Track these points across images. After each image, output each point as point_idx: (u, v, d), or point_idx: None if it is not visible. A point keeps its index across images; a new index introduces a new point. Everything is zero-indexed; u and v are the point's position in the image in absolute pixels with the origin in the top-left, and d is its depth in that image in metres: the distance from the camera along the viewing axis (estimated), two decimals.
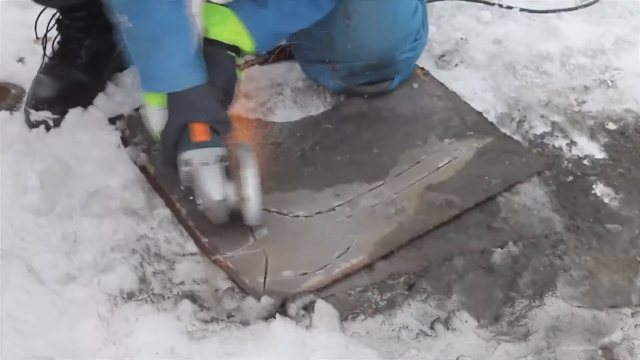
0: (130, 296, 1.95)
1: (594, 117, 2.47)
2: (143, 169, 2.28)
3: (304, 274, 2.00)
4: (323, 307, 1.89)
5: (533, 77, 2.63)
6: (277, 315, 1.88)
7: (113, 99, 2.52)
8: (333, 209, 2.17)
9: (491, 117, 2.46)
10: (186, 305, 1.91)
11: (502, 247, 2.06)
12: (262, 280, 1.98)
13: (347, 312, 1.93)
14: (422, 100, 2.51)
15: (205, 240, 2.08)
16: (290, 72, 2.61)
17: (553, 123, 2.44)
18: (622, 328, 1.88)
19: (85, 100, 2.46)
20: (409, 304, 1.94)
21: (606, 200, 2.20)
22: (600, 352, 1.84)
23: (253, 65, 2.60)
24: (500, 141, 2.36)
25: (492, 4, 2.95)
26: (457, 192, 2.20)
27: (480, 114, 2.45)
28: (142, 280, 2.00)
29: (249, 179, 1.95)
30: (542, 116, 2.46)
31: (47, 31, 2.52)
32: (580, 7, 2.94)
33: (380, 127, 2.41)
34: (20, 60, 2.71)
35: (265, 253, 2.04)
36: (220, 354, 1.81)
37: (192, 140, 2.01)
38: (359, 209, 2.17)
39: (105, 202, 2.18)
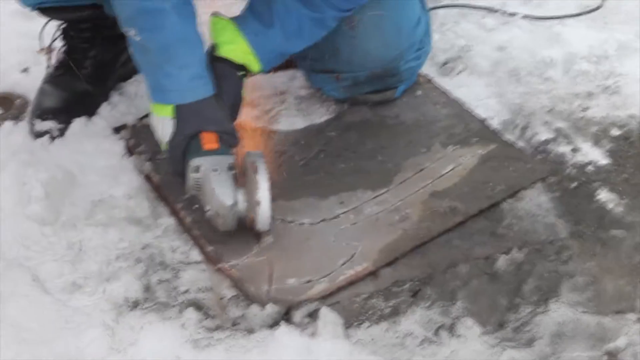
0: (135, 305, 1.95)
1: (598, 123, 2.47)
2: (147, 178, 2.28)
3: (309, 281, 2.00)
4: (328, 315, 1.89)
5: (537, 84, 2.63)
6: (282, 322, 1.88)
7: (117, 108, 2.52)
8: (337, 217, 2.17)
9: (495, 123, 2.46)
10: (191, 313, 1.91)
11: (506, 254, 2.06)
12: (266, 288, 1.98)
13: (351, 320, 1.93)
14: (426, 107, 2.51)
15: (209, 248, 2.08)
16: (293, 80, 2.61)
17: (557, 129, 2.44)
18: (626, 334, 1.88)
19: (89, 110, 2.46)
20: (414, 311, 1.94)
21: (610, 206, 2.20)
22: (605, 357, 1.84)
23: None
24: (504, 148, 2.36)
25: (496, 11, 2.96)
26: (461, 199, 2.20)
27: (483, 120, 2.46)
28: (147, 288, 2.00)
29: (261, 183, 1.96)
30: (545, 122, 2.46)
31: (52, 41, 2.53)
32: (584, 13, 2.94)
33: (384, 135, 2.42)
34: (25, 70, 2.71)
35: (270, 261, 2.04)
36: None
37: (202, 149, 2.02)
38: (363, 216, 2.17)
39: (110, 211, 2.18)
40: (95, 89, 2.50)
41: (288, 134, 2.42)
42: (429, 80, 2.61)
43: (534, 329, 1.90)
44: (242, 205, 2.01)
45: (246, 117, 2.39)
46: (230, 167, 2.02)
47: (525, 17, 2.92)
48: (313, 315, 1.91)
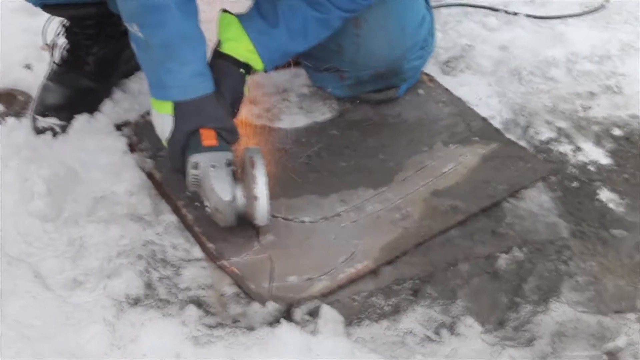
0: (136, 301, 1.96)
1: (600, 122, 2.47)
2: (149, 175, 2.29)
3: (309, 279, 2.00)
4: (328, 312, 1.90)
5: (539, 83, 2.64)
6: (283, 320, 1.88)
7: (120, 105, 2.53)
8: (338, 215, 2.17)
9: (497, 122, 2.46)
10: (192, 310, 1.92)
11: (507, 253, 2.07)
12: (267, 285, 1.99)
13: (352, 317, 1.93)
14: (428, 106, 2.52)
15: (211, 245, 2.08)
16: (296, 78, 2.62)
17: (558, 129, 2.44)
18: (626, 333, 1.88)
19: (92, 106, 2.47)
20: (414, 309, 1.94)
21: (611, 205, 2.20)
22: (605, 357, 1.84)
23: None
24: (505, 147, 2.36)
25: (498, 10, 2.96)
26: (463, 198, 2.20)
27: (485, 119, 2.46)
28: (148, 285, 2.00)
29: (259, 178, 1.97)
30: (547, 122, 2.47)
31: (54, 38, 2.53)
32: (586, 13, 2.95)
33: (386, 133, 2.42)
34: (28, 67, 2.72)
35: (271, 258, 2.04)
36: (226, 359, 1.82)
37: (201, 145, 2.03)
38: (364, 214, 2.17)
39: (112, 208, 2.19)
40: (97, 86, 2.51)
41: (290, 132, 2.43)
42: (431, 79, 2.62)
43: (534, 328, 1.90)
44: (240, 200, 2.02)
45: (248, 114, 2.40)
46: (229, 163, 2.03)
47: (528, 16, 2.93)
48: (313, 313, 1.91)
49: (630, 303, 1.96)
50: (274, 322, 1.90)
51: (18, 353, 1.81)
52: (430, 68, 2.65)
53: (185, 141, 2.05)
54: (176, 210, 2.19)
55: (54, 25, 2.53)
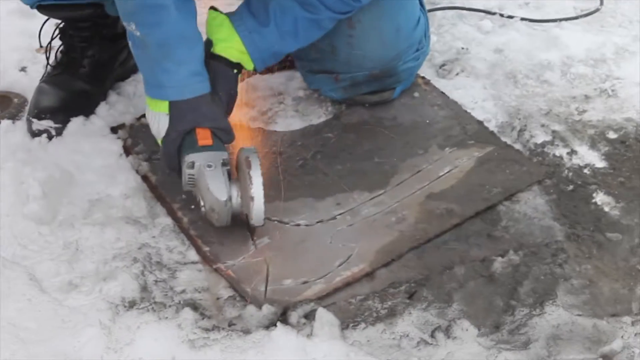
0: (131, 304, 1.95)
1: (595, 126, 2.47)
2: (145, 177, 2.29)
3: (305, 282, 2.00)
4: (324, 316, 1.89)
5: (534, 86, 2.64)
6: (278, 323, 1.88)
7: (115, 108, 2.52)
8: (334, 218, 2.17)
9: (492, 126, 2.46)
10: (187, 313, 1.91)
11: (502, 256, 2.07)
12: (263, 288, 1.99)
13: (348, 321, 1.93)
14: (423, 109, 2.52)
15: (206, 248, 2.08)
16: (291, 81, 2.62)
17: (554, 132, 2.44)
18: (622, 337, 1.88)
19: (87, 109, 2.46)
20: (410, 313, 1.94)
21: (607, 209, 2.20)
22: None
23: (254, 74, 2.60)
24: (500, 150, 2.36)
25: (493, 13, 2.96)
26: (458, 201, 2.20)
27: (481, 123, 2.46)
28: (144, 288, 2.00)
29: (254, 178, 1.97)
30: (542, 125, 2.47)
31: (51, 40, 2.53)
32: (581, 16, 2.95)
33: (381, 136, 2.42)
34: (23, 69, 2.72)
35: (267, 262, 2.04)
36: None
37: (196, 144, 2.03)
38: (360, 217, 2.17)
39: (107, 211, 2.19)
40: (93, 89, 2.51)
41: (285, 135, 2.43)
42: (427, 82, 2.61)
43: (530, 332, 1.90)
44: (236, 200, 2.02)
45: (244, 117, 2.40)
46: (225, 163, 2.03)
47: (523, 19, 2.93)
48: (309, 316, 1.91)
49: (625, 306, 1.96)
50: (269, 325, 1.90)
51: (13, 356, 1.80)
52: (426, 71, 2.66)
53: (181, 140, 2.05)
54: (172, 213, 2.19)
55: (49, 28, 2.53)
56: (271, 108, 2.52)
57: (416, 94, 2.57)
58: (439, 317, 1.94)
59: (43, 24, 2.53)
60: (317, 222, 2.16)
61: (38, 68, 2.60)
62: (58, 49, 2.53)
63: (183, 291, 2.00)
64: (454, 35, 2.88)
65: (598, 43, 2.80)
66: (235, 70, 2.18)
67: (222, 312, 1.95)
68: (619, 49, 2.78)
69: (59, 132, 2.39)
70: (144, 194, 2.24)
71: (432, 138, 2.41)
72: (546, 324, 1.92)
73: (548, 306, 1.95)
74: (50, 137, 2.37)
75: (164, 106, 2.05)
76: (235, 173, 2.07)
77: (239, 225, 2.05)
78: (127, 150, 2.36)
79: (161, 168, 2.21)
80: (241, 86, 2.27)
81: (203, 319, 1.92)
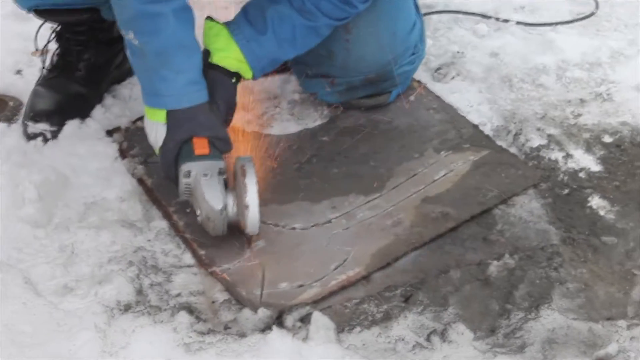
0: (127, 308, 1.95)
1: (590, 130, 2.48)
2: (140, 181, 2.29)
3: (301, 285, 2.00)
4: (319, 319, 1.89)
5: (529, 90, 2.64)
6: (274, 327, 1.88)
7: (110, 111, 2.52)
8: (330, 221, 2.17)
9: (487, 129, 2.47)
10: (183, 317, 1.91)
11: (498, 260, 2.07)
12: (258, 292, 1.98)
13: (343, 324, 1.93)
14: (419, 113, 2.52)
15: (202, 252, 2.08)
16: (287, 84, 2.62)
17: (549, 136, 2.44)
18: (617, 340, 1.88)
19: (82, 112, 2.46)
20: (405, 316, 1.94)
21: (602, 212, 2.21)
22: None
23: None
24: (496, 154, 2.37)
25: (489, 17, 2.97)
26: (454, 205, 2.21)
27: (476, 126, 2.47)
28: (139, 292, 2.00)
29: (249, 187, 1.96)
30: (538, 129, 2.47)
31: (47, 44, 2.53)
32: (576, 20, 2.95)
33: (377, 140, 2.42)
34: (18, 72, 2.71)
35: (262, 265, 2.04)
36: None
37: (193, 154, 2.03)
38: (356, 221, 2.17)
39: (103, 214, 2.19)
40: (88, 92, 2.51)
41: (281, 139, 2.43)
42: (423, 86, 2.61)
43: (525, 335, 1.90)
44: (231, 209, 2.02)
45: (239, 121, 2.40)
46: (221, 172, 2.03)
47: (518, 23, 2.93)
48: (305, 320, 1.91)
49: (621, 310, 1.96)
50: (265, 328, 1.90)
51: (8, 359, 1.80)
52: (421, 75, 2.66)
53: (178, 150, 2.04)
54: (167, 217, 2.19)
55: (45, 31, 2.53)
56: (267, 112, 2.52)
57: (412, 98, 2.57)
58: (435, 320, 1.94)
59: (39, 27, 2.53)
60: (313, 226, 2.16)
61: (34, 71, 2.60)
62: (54, 52, 2.53)
63: (178, 294, 2.00)
64: (450, 39, 2.89)
65: (593, 47, 2.81)
66: (233, 80, 2.17)
67: (217, 316, 1.95)
68: (615, 52, 2.79)
69: (55, 135, 2.38)
70: (140, 197, 2.24)
71: (428, 142, 2.41)
72: (541, 327, 1.92)
73: (543, 310, 1.95)
74: (45, 140, 2.37)
75: (161, 115, 2.05)
76: (232, 182, 2.06)
77: (235, 229, 2.05)
78: (123, 154, 2.36)
79: (157, 172, 2.21)
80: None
81: (198, 322, 1.92)
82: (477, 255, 2.09)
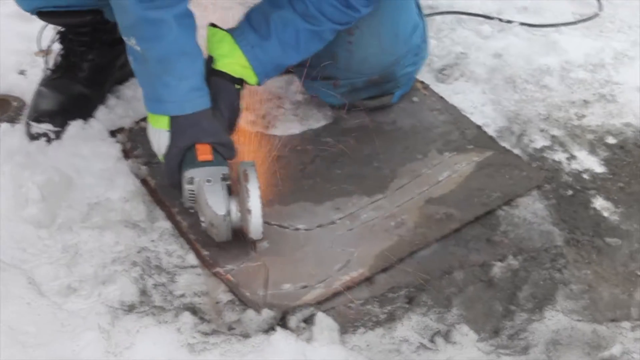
0: (130, 308, 1.95)
1: (594, 131, 2.48)
2: (144, 181, 2.28)
3: (305, 286, 2.00)
4: (323, 320, 1.90)
5: (533, 91, 2.64)
6: (278, 327, 1.88)
7: (114, 111, 2.52)
8: (333, 222, 2.17)
9: (491, 130, 2.47)
10: (187, 317, 1.91)
11: (502, 261, 2.07)
12: (262, 293, 1.98)
13: (347, 325, 1.93)
14: (422, 114, 2.52)
15: (206, 253, 2.08)
16: (290, 85, 2.61)
17: (553, 137, 2.45)
18: (621, 342, 1.88)
19: (86, 112, 2.46)
20: (409, 317, 1.94)
21: (606, 214, 2.21)
22: None
23: None
24: (500, 155, 2.37)
25: (492, 18, 2.96)
26: (457, 206, 2.20)
27: (480, 127, 2.46)
28: (143, 292, 2.00)
29: (252, 192, 1.96)
30: (541, 130, 2.47)
31: (50, 44, 2.53)
32: (580, 21, 2.95)
33: (381, 141, 2.42)
34: (22, 72, 2.71)
35: (266, 266, 2.04)
36: None
37: (196, 160, 2.03)
38: (359, 222, 2.17)
39: (106, 215, 2.18)
40: (92, 92, 2.50)
41: (284, 140, 2.42)
42: (426, 87, 2.62)
43: (529, 337, 1.90)
44: (235, 215, 2.01)
45: (243, 122, 2.39)
46: (224, 178, 2.03)
47: (522, 24, 2.93)
48: (309, 321, 1.91)
49: (625, 311, 1.96)
50: (269, 329, 1.90)
51: (12, 359, 1.80)
52: (425, 76, 2.66)
53: (182, 156, 2.04)
54: (171, 217, 2.18)
55: (48, 32, 2.53)
56: (270, 112, 2.52)
57: (415, 99, 2.57)
58: (439, 321, 1.94)
59: (43, 28, 2.53)
60: (317, 227, 2.16)
61: (37, 71, 2.60)
62: (57, 52, 2.53)
63: (182, 295, 2.00)
64: (453, 40, 2.88)
65: (597, 48, 2.81)
66: (237, 86, 2.18)
67: (221, 316, 1.95)
68: (618, 54, 2.79)
69: (58, 136, 2.38)
70: (143, 198, 2.24)
71: (432, 143, 2.41)
72: (545, 329, 1.92)
73: (547, 311, 1.95)
74: (49, 141, 2.37)
75: (164, 122, 2.05)
76: (235, 187, 2.06)
77: (239, 232, 2.05)
78: (126, 154, 2.36)
79: (160, 173, 2.21)
80: None
81: (202, 323, 1.92)
82: (481, 257, 2.09)
